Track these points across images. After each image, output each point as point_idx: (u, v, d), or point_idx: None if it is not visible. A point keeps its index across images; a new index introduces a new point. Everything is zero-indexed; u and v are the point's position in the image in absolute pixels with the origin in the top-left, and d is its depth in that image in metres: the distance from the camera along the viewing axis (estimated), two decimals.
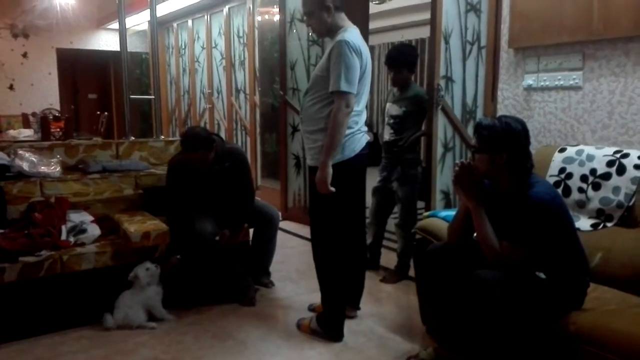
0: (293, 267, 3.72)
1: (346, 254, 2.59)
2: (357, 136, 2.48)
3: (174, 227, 2.93)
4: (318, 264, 2.64)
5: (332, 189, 2.38)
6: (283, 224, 4.44)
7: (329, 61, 2.37)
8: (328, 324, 2.61)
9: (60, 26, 8.18)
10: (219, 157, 3.04)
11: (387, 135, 3.44)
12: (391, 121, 3.40)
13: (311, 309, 2.94)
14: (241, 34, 6.29)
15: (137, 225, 2.88)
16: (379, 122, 3.81)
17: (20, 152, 3.24)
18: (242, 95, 6.40)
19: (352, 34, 2.40)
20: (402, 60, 3.32)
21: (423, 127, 3.40)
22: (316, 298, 2.91)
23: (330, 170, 2.37)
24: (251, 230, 3.31)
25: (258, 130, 6.06)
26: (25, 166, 3.14)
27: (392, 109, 3.40)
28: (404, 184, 3.38)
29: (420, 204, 3.47)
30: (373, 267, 3.57)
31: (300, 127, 2.64)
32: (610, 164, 2.37)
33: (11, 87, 8.46)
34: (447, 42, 3.16)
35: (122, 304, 2.72)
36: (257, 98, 5.99)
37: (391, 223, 3.65)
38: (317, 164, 2.43)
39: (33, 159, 3.22)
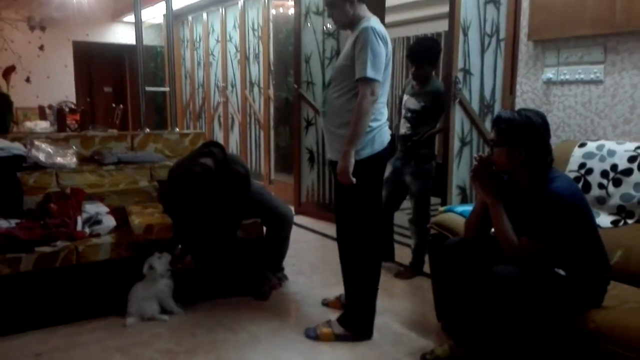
0: (306, 261, 3.70)
1: (377, 248, 2.53)
2: (384, 129, 2.44)
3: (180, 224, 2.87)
4: (347, 261, 2.55)
5: (354, 179, 2.33)
6: (296, 219, 4.42)
7: (354, 49, 2.31)
8: (357, 323, 2.53)
9: (76, 19, 8.20)
10: (218, 172, 2.88)
11: (403, 128, 3.40)
12: (408, 115, 3.36)
13: (325, 303, 2.92)
14: (256, 27, 6.27)
15: (142, 218, 2.87)
16: (394, 114, 3.75)
17: (37, 143, 3.26)
18: (256, 89, 6.38)
19: (376, 22, 2.36)
20: (424, 55, 3.27)
21: (439, 125, 3.34)
22: (329, 292, 2.90)
23: (353, 161, 2.32)
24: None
25: (272, 124, 6.05)
26: (41, 157, 3.16)
27: (410, 102, 3.36)
28: (417, 179, 3.34)
29: (435, 200, 3.43)
30: (384, 260, 3.54)
31: (323, 122, 2.52)
32: (631, 159, 2.32)
33: (28, 80, 8.51)
34: (465, 34, 3.11)
35: (136, 296, 2.72)
36: (271, 92, 5.97)
37: (405, 218, 3.61)
38: None
39: (49, 150, 3.24)
